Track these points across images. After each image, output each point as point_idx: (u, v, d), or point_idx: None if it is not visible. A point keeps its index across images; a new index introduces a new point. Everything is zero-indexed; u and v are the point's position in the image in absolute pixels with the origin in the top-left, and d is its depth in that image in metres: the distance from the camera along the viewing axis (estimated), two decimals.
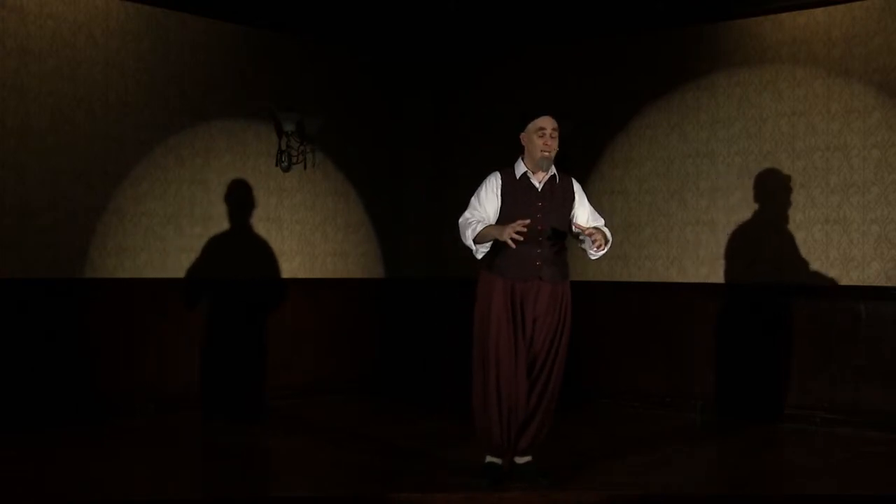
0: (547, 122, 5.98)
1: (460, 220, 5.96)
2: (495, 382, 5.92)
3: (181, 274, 8.50)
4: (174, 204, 8.51)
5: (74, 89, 7.93)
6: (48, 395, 7.72)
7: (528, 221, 5.70)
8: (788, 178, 8.29)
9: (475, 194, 6.01)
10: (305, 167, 9.25)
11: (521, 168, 6.04)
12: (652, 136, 8.99)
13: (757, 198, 8.43)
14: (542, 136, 5.95)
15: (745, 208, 8.49)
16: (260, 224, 9.04)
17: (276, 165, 9.11)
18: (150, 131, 8.37)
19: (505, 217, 5.93)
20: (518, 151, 6.09)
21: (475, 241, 5.87)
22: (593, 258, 6.05)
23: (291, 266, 9.28)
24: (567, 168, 9.15)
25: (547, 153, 5.94)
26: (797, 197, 8.25)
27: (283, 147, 9.10)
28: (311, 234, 9.45)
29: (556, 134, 5.99)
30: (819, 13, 8.17)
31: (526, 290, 5.92)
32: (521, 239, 5.67)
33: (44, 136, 7.77)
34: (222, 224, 8.77)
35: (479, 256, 5.97)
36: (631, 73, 9.11)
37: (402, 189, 10.25)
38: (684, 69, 8.82)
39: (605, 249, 5.96)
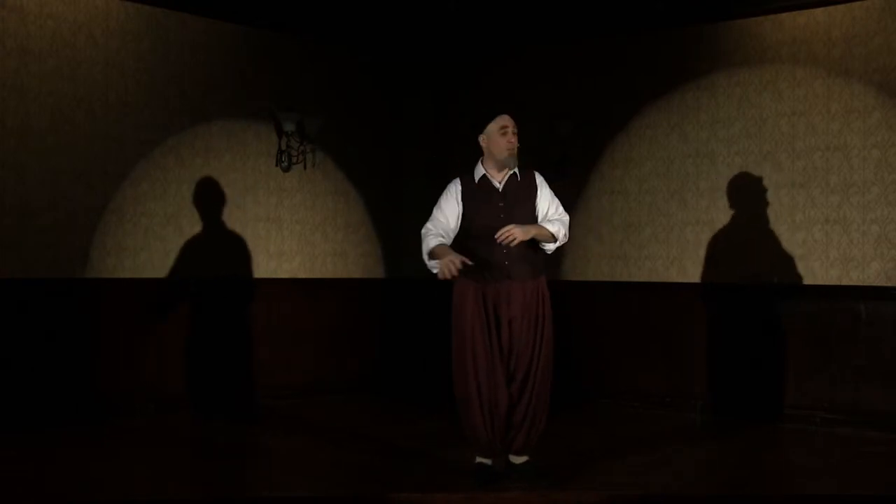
0: (508, 121, 6.01)
1: (423, 231, 6.00)
2: (476, 386, 5.92)
3: (181, 274, 8.50)
4: (174, 204, 8.51)
5: (74, 89, 7.93)
6: (48, 395, 7.72)
7: (468, 262, 5.66)
8: (788, 178, 8.29)
9: (437, 205, 6.06)
10: (305, 167, 9.25)
11: (479, 171, 6.08)
12: (652, 136, 8.99)
13: (756, 198, 8.42)
14: (504, 135, 5.96)
15: (745, 208, 8.49)
16: (260, 224, 9.04)
17: (276, 165, 9.11)
18: (150, 131, 8.37)
19: (469, 222, 5.97)
20: (478, 155, 6.13)
21: (430, 257, 5.88)
22: (549, 252, 6.06)
23: (291, 266, 9.28)
24: (567, 168, 9.19)
25: (512, 151, 5.97)
26: (797, 197, 8.25)
27: (283, 147, 9.10)
28: (311, 234, 9.46)
29: (516, 131, 6.00)
30: (819, 13, 8.17)
31: (497, 291, 5.92)
32: (453, 275, 5.64)
33: (44, 136, 7.77)
34: (222, 224, 8.77)
35: (434, 271, 5.88)
36: (631, 73, 9.11)
37: (402, 189, 10.25)
38: (684, 69, 8.82)
39: (558, 242, 5.98)
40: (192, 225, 8.60)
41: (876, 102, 7.96)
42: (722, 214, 8.60)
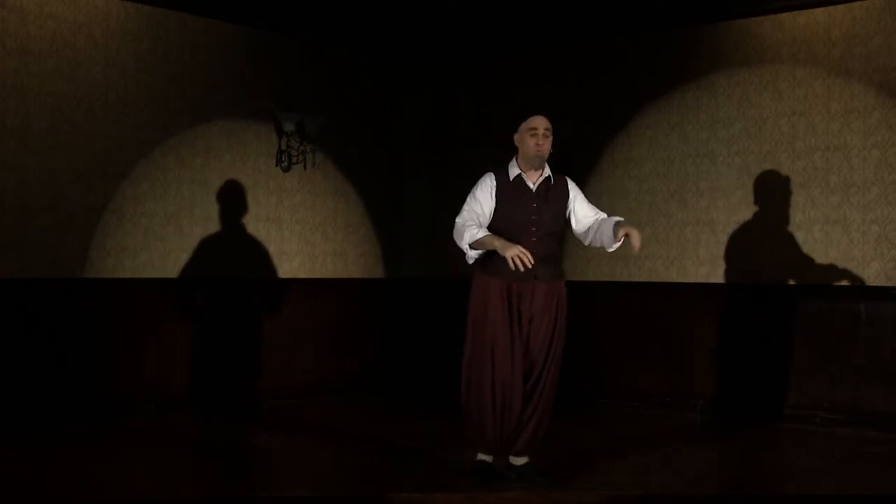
0: (539, 122, 5.94)
1: (458, 221, 5.93)
2: (491, 382, 5.93)
3: (181, 274, 8.50)
4: (174, 204, 8.51)
5: (74, 89, 7.93)
6: (48, 395, 7.72)
7: (530, 258, 5.63)
8: (788, 178, 8.29)
9: (471, 195, 5.98)
10: (305, 167, 9.25)
11: (514, 169, 6.02)
12: (652, 136, 9.00)
13: (757, 198, 8.43)
14: (534, 136, 5.91)
15: (745, 208, 8.50)
16: (260, 224, 9.04)
17: (276, 165, 9.11)
18: (150, 131, 8.37)
19: (500, 219, 5.92)
20: (513, 152, 6.08)
21: (471, 246, 5.86)
22: (611, 250, 6.01)
23: (291, 266, 9.28)
24: (567, 168, 9.18)
25: (540, 153, 5.92)
26: (797, 197, 8.25)
27: (283, 147, 9.10)
28: (311, 234, 9.46)
29: (548, 133, 5.94)
30: (819, 13, 8.18)
31: (522, 289, 5.93)
32: (521, 268, 5.62)
33: (44, 136, 7.77)
34: (222, 224, 8.77)
35: (471, 262, 5.99)
36: (631, 73, 9.11)
37: (402, 189, 10.25)
38: (684, 69, 8.82)
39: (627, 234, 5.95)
40: (192, 225, 8.60)
41: (876, 102, 7.96)
42: (722, 214, 8.60)
